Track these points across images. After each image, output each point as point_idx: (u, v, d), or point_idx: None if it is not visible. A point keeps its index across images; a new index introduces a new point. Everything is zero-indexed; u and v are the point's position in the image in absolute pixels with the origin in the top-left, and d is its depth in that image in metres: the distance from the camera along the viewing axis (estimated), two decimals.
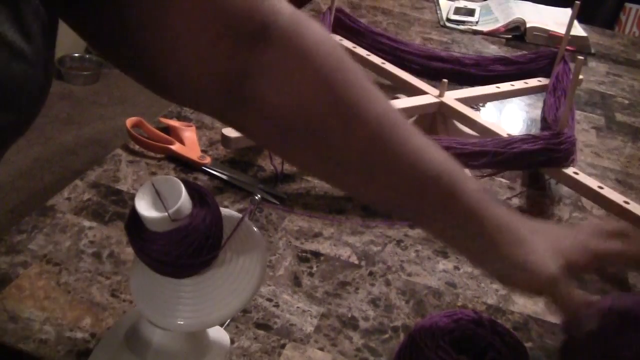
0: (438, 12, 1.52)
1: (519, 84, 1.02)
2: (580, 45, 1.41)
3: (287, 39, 0.45)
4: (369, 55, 1.03)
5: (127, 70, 0.46)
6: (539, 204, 0.87)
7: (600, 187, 0.77)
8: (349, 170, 0.48)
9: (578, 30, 1.44)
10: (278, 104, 0.46)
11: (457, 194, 0.48)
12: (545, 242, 0.50)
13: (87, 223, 0.71)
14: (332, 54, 0.47)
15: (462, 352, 0.49)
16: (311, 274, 0.69)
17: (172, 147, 0.83)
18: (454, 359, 0.48)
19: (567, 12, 1.43)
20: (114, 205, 0.74)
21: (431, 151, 0.48)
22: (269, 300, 0.65)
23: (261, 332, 0.61)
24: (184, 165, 0.83)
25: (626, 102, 1.23)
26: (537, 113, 1.09)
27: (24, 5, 0.35)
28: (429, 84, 0.96)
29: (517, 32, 1.44)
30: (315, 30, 0.47)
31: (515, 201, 0.87)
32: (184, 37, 0.42)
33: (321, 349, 0.60)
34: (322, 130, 0.46)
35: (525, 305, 0.69)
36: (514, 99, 1.13)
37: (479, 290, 0.70)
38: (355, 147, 0.47)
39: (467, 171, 0.85)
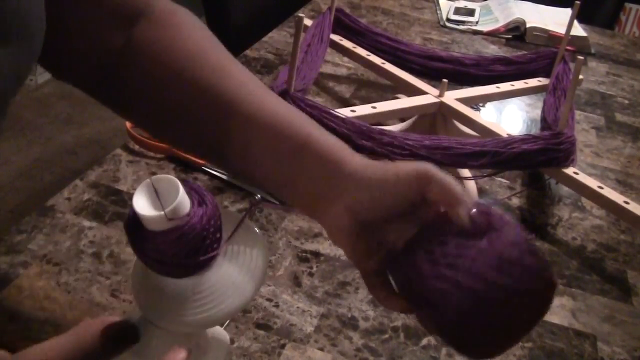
0: (438, 12, 1.52)
1: (519, 84, 1.02)
2: (580, 45, 1.41)
3: (164, 15, 0.52)
4: (369, 55, 1.03)
5: None
6: (539, 204, 0.87)
7: (600, 187, 0.77)
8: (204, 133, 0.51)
9: (578, 30, 1.44)
10: (154, 75, 0.50)
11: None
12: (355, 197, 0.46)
13: (87, 223, 0.71)
14: (202, 28, 0.53)
15: None
16: (311, 274, 0.69)
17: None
18: None
19: (567, 12, 1.43)
20: (114, 205, 0.74)
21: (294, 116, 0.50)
22: (269, 300, 0.65)
23: (261, 332, 0.61)
24: (184, 165, 0.83)
25: (626, 102, 1.23)
26: (537, 113, 1.09)
27: None
28: (429, 84, 0.96)
29: (517, 32, 1.44)
30: (185, 11, 0.54)
31: (515, 201, 0.87)
32: (76, 19, 0.48)
33: (321, 349, 0.60)
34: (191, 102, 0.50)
35: None
36: (514, 99, 1.13)
37: None
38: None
39: (466, 171, 0.85)
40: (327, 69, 1.15)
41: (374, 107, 0.85)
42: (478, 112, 0.94)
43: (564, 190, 0.90)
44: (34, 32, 0.42)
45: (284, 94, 0.77)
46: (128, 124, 0.85)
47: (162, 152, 0.84)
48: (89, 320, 0.37)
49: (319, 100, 1.04)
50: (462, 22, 1.46)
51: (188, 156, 0.83)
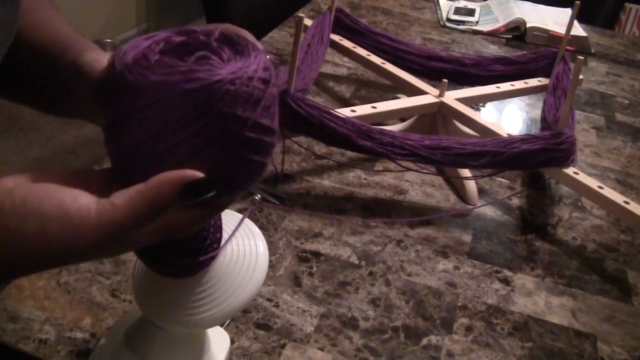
0: (438, 12, 1.52)
1: (519, 84, 1.02)
2: (580, 45, 1.41)
3: None
4: (369, 55, 1.03)
5: None
6: (539, 204, 0.87)
7: (600, 187, 0.77)
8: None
9: (578, 30, 1.44)
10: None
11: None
12: None
13: None
14: None
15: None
16: (311, 274, 0.69)
17: None
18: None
19: (567, 12, 1.43)
20: None
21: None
22: (269, 300, 0.65)
23: (261, 332, 0.61)
24: None
25: (626, 102, 1.23)
26: (537, 113, 1.09)
27: None
28: (429, 84, 0.96)
29: (517, 32, 1.44)
30: None
31: (515, 201, 0.87)
32: None
33: (321, 349, 0.60)
34: None
35: (526, 305, 0.70)
36: (514, 99, 1.13)
37: (479, 290, 0.70)
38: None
39: (463, 170, 0.85)
40: (327, 69, 1.15)
41: (374, 107, 0.85)
42: (478, 112, 0.94)
43: (564, 190, 0.90)
44: None
45: (284, 94, 0.77)
46: None
47: None
48: (162, 174, 0.36)
49: (319, 100, 1.04)
50: (462, 22, 1.46)
51: None
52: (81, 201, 0.35)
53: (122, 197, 0.35)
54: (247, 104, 0.36)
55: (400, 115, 0.94)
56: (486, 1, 1.58)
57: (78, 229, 0.35)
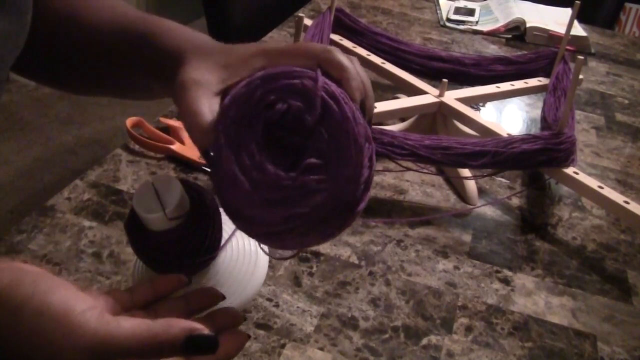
0: (438, 12, 1.52)
1: (519, 84, 1.02)
2: (580, 45, 1.41)
3: None
4: (369, 55, 1.03)
5: None
6: (539, 204, 0.87)
7: (600, 187, 0.77)
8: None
9: (578, 30, 1.44)
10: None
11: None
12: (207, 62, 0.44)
13: (87, 223, 0.71)
14: None
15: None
16: (311, 274, 0.69)
17: (172, 147, 0.83)
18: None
19: (567, 12, 1.43)
20: (114, 205, 0.74)
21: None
22: (269, 300, 0.65)
23: (261, 332, 0.61)
24: (184, 165, 0.83)
25: (626, 102, 1.23)
26: (537, 113, 1.09)
27: None
28: (429, 84, 0.96)
29: (517, 32, 1.44)
30: None
31: (515, 201, 0.87)
32: None
33: (321, 349, 0.60)
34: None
35: (525, 305, 0.70)
36: (514, 99, 1.13)
37: (479, 290, 0.70)
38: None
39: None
40: None
41: (374, 107, 0.85)
42: (478, 112, 0.94)
43: (564, 190, 0.90)
44: (26, 8, 0.45)
45: None
46: (128, 124, 0.85)
47: (162, 152, 0.84)
48: (173, 319, 0.36)
49: None
50: (462, 22, 1.46)
51: (188, 156, 0.83)
52: (86, 305, 0.35)
53: (129, 321, 0.35)
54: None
55: (400, 115, 0.94)
56: (486, 1, 1.58)
57: (72, 329, 0.34)
